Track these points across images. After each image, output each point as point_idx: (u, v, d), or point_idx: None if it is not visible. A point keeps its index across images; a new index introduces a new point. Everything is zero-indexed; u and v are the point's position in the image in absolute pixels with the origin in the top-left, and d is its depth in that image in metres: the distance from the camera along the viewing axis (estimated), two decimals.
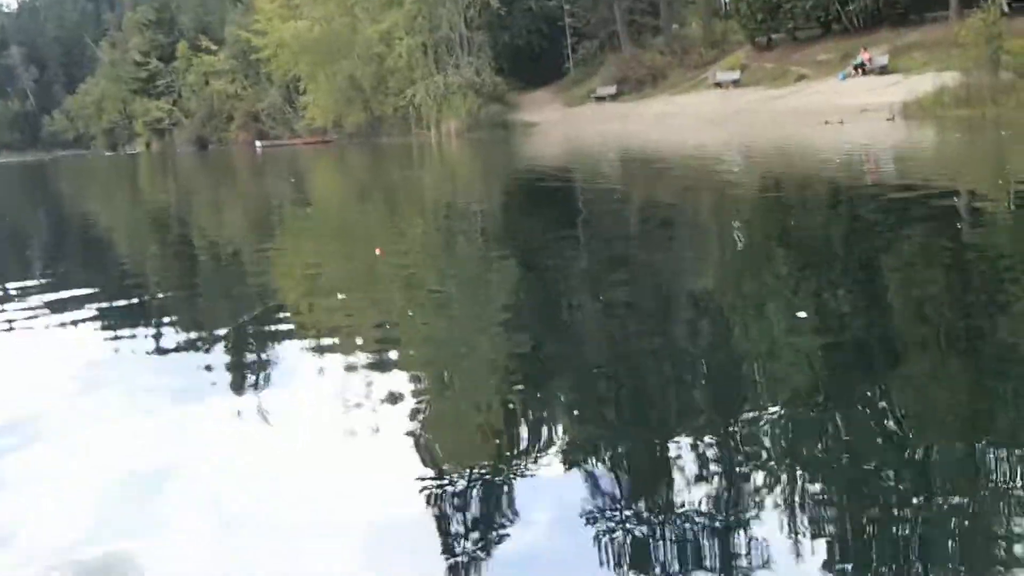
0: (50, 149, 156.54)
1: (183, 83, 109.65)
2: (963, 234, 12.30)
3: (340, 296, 10.61)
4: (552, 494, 5.02)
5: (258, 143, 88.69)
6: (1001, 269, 9.85)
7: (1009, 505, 4.55)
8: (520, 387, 6.88)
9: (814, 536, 4.36)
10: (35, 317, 10.79)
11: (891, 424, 5.70)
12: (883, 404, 6.02)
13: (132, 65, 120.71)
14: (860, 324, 8.04)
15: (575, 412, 6.32)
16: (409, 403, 6.70)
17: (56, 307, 11.39)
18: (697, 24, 71.50)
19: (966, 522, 4.43)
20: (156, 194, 39.09)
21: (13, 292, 12.90)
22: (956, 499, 4.64)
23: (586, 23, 76.20)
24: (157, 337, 9.45)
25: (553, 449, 5.63)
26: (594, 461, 5.42)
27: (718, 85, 60.14)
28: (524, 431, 5.99)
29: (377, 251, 13.30)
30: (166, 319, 10.55)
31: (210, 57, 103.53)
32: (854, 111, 40.22)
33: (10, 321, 10.69)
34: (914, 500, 4.67)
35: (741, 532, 4.44)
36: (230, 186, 40.87)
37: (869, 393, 6.17)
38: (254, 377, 7.76)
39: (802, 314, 8.13)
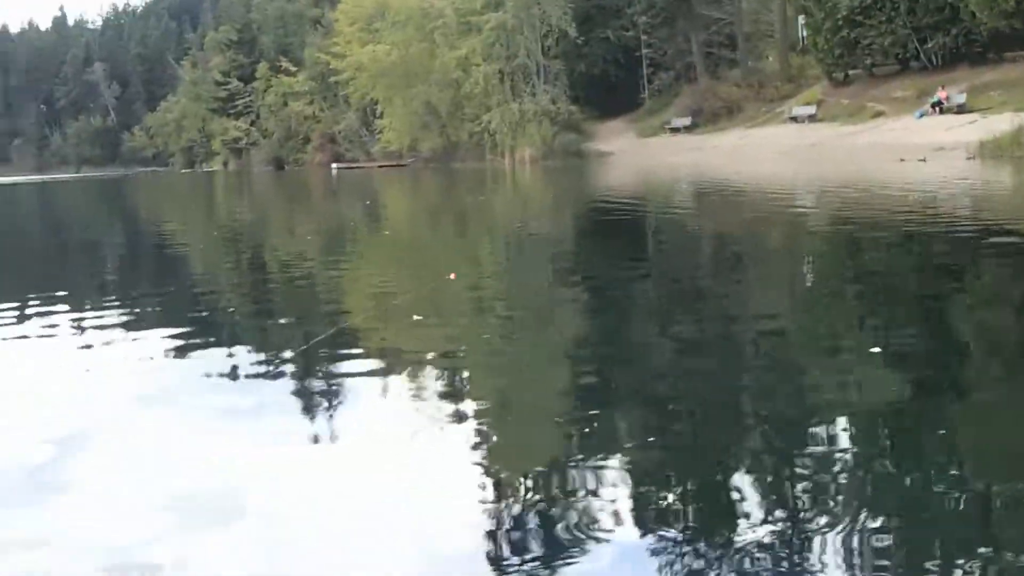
0: (129, 165, 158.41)
1: (262, 103, 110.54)
2: None
3: (415, 317, 10.78)
4: (611, 525, 5.04)
5: (334, 165, 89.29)
6: None
7: None
8: (585, 417, 6.90)
9: None
10: (107, 330, 11.00)
11: (960, 469, 5.70)
12: (953, 446, 6.04)
13: (212, 84, 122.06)
14: (933, 363, 8.02)
15: (638, 445, 6.35)
16: (474, 429, 6.78)
17: (127, 322, 11.66)
18: (774, 58, 71.40)
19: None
20: (233, 212, 39.50)
21: (87, 305, 13.16)
22: (1017, 549, 4.64)
23: (663, 54, 76.26)
24: (228, 356, 9.57)
25: (614, 480, 5.65)
26: (655, 495, 5.44)
27: (794, 119, 59.93)
28: (586, 462, 6.01)
29: (451, 275, 13.45)
30: (238, 338, 10.72)
31: (289, 78, 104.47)
32: (930, 149, 39.92)
33: (82, 333, 10.98)
34: (978, 549, 4.64)
35: (800, 570, 4.47)
36: (306, 207, 41.19)
37: (940, 433, 6.18)
38: (322, 398, 7.83)
39: (876, 349, 8.17)
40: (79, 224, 36.35)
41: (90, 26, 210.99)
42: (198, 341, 10.37)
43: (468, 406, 7.33)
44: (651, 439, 6.41)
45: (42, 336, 10.99)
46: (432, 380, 8.15)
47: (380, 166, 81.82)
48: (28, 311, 12.85)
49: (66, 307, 13.11)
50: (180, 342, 10.38)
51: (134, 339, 10.59)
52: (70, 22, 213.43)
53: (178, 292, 14.94)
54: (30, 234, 33.54)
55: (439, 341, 9.84)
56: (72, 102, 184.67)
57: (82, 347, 10.31)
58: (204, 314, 12.60)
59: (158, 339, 10.51)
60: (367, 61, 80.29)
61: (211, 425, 7.18)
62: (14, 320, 12.16)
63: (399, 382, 8.20)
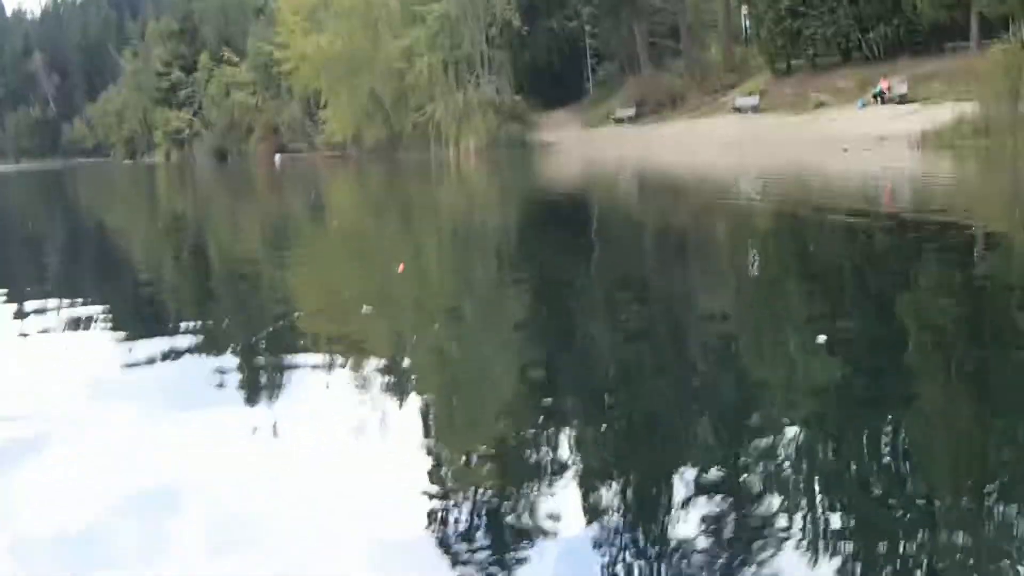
0: (69, 156, 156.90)
1: (204, 94, 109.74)
2: (977, 264, 12.40)
3: (365, 308, 10.76)
4: (559, 517, 5.09)
5: (277, 156, 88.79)
6: (1014, 299, 9.95)
7: (1014, 536, 4.65)
8: (533, 407, 6.95)
9: (819, 565, 4.44)
10: (50, 327, 10.93)
11: (904, 457, 5.79)
12: (896, 432, 6.12)
13: (154, 75, 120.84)
14: (877, 350, 8.12)
15: (585, 434, 6.41)
16: (421, 421, 6.86)
17: (71, 319, 11.53)
18: (717, 49, 71.56)
19: (969, 554, 4.52)
20: (178, 205, 39.23)
21: (30, 301, 13.00)
22: (961, 531, 4.73)
23: (607, 44, 76.34)
24: (174, 351, 9.47)
25: (562, 471, 5.70)
26: (603, 484, 5.49)
27: (737, 110, 60.11)
28: (534, 452, 6.08)
29: (400, 268, 13.43)
30: (187, 332, 10.61)
31: (232, 68, 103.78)
32: (873, 139, 40.23)
33: (24, 330, 10.85)
34: (920, 531, 4.77)
35: (747, 561, 4.51)
36: (251, 199, 41.01)
37: (886, 419, 6.26)
38: (271, 390, 7.89)
39: (822, 338, 8.23)
40: (20, 218, 35.93)
41: (29, 16, 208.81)
42: (143, 336, 10.30)
43: (417, 396, 7.40)
44: (598, 430, 6.45)
45: None
46: (382, 370, 8.17)
47: (324, 156, 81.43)
48: None
49: (6, 302, 12.98)
50: (125, 337, 10.33)
51: (77, 334, 10.53)
52: (8, 12, 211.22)
53: (122, 287, 14.85)
54: None
55: (389, 331, 9.89)
56: (10, 93, 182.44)
57: (22, 340, 10.25)
58: (149, 309, 12.53)
59: (102, 334, 10.47)
60: (311, 51, 79.75)
61: (156, 420, 7.16)
62: None
63: (349, 373, 8.22)
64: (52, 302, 12.88)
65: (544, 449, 6.10)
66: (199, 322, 11.35)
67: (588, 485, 5.51)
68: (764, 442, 5.97)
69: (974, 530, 4.71)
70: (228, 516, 5.36)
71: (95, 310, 12.14)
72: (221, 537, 5.11)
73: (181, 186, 57.96)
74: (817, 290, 11.21)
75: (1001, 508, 4.96)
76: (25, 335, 10.62)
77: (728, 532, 4.79)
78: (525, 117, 73.28)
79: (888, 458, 5.72)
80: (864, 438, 5.97)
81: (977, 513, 4.91)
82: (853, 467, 5.56)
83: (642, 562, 4.59)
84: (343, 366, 8.49)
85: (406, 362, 8.57)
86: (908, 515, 4.93)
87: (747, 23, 67.21)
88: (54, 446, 6.67)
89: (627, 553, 4.66)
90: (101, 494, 5.68)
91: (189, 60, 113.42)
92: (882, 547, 4.56)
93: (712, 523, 4.87)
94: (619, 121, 68.56)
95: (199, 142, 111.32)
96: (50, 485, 5.94)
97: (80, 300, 13.05)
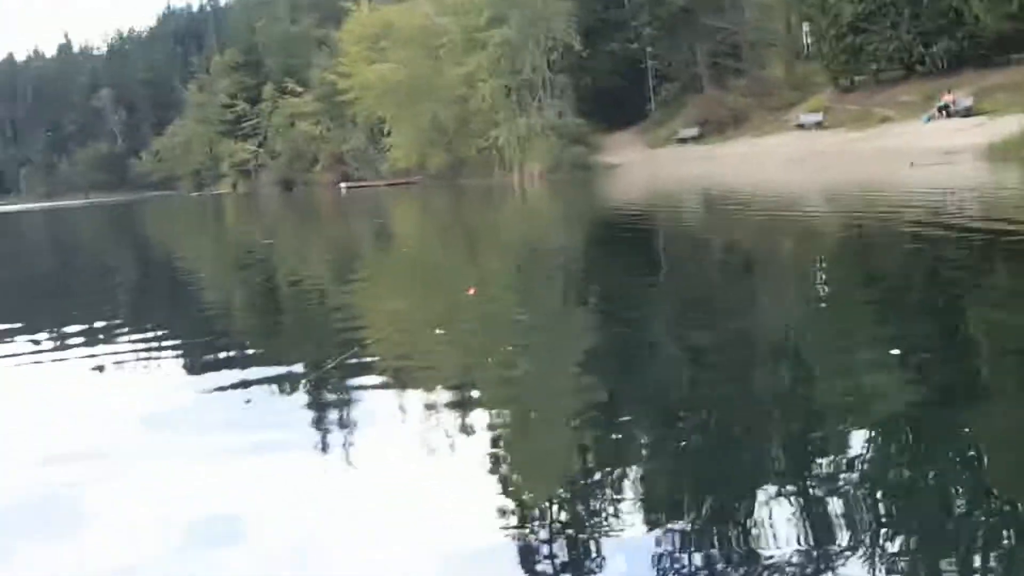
0: (137, 190, 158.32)
1: (269, 125, 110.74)
2: None
3: (437, 331, 10.89)
4: (630, 544, 5.08)
5: (342, 184, 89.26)
6: None
7: None
8: (604, 428, 6.95)
9: None
10: (120, 357, 11.09)
11: (980, 470, 5.80)
12: (974, 448, 6.12)
13: (219, 107, 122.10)
14: (951, 362, 8.10)
15: (656, 460, 6.42)
16: (493, 444, 6.87)
17: (143, 347, 11.69)
18: (779, 66, 71.27)
19: None
20: (245, 234, 39.58)
21: (99, 332, 13.23)
22: None
23: (668, 65, 76.19)
24: (246, 377, 9.56)
25: (631, 497, 5.72)
26: (672, 513, 5.46)
27: (801, 127, 59.79)
28: (603, 478, 6.07)
29: (470, 291, 13.52)
30: (258, 358, 10.79)
31: (296, 99, 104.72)
32: (939, 153, 39.90)
33: (96, 359, 11.01)
34: (997, 549, 4.73)
35: None
36: (320, 227, 41.28)
37: (962, 433, 6.25)
38: (343, 415, 7.93)
39: (895, 351, 8.23)
40: (93, 251, 36.44)
41: (95, 52, 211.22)
42: (214, 363, 10.51)
43: (489, 419, 7.44)
44: (668, 453, 6.47)
45: (56, 360, 11.16)
46: (454, 394, 8.24)
47: (389, 184, 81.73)
48: (42, 337, 13.04)
49: (79, 332, 13.21)
50: (196, 364, 10.54)
51: (148, 363, 10.68)
52: (75, 49, 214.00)
53: (193, 315, 15.09)
54: (44, 260, 33.70)
55: (461, 354, 9.96)
56: (79, 128, 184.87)
57: (93, 369, 10.43)
58: (221, 335, 12.68)
59: (173, 362, 10.65)
60: (373, 80, 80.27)
61: (227, 448, 7.25)
62: (29, 346, 12.27)
63: (421, 397, 8.29)
64: (123, 331, 13.11)
65: (618, 470, 6.12)
66: (271, 348, 11.54)
67: (662, 507, 5.54)
68: (841, 459, 5.96)
69: None
70: (298, 544, 5.42)
71: (166, 338, 12.33)
72: (291, 568, 5.17)
73: (249, 216, 58.46)
74: (888, 303, 11.17)
75: None
76: (94, 365, 10.80)
77: (804, 553, 4.78)
78: (588, 140, 73.20)
79: (965, 474, 5.69)
80: (940, 454, 5.97)
81: None
82: (929, 484, 5.55)
83: None
84: (415, 389, 8.57)
85: (478, 384, 8.66)
86: (988, 534, 4.91)
87: (808, 40, 66.83)
88: (124, 476, 6.76)
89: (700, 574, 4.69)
90: (170, 524, 5.77)
91: (253, 92, 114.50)
92: (959, 568, 4.56)
93: (786, 542, 4.86)
94: (682, 141, 68.46)
95: (265, 172, 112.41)
96: (120, 516, 6.05)
97: (151, 328, 13.28)
